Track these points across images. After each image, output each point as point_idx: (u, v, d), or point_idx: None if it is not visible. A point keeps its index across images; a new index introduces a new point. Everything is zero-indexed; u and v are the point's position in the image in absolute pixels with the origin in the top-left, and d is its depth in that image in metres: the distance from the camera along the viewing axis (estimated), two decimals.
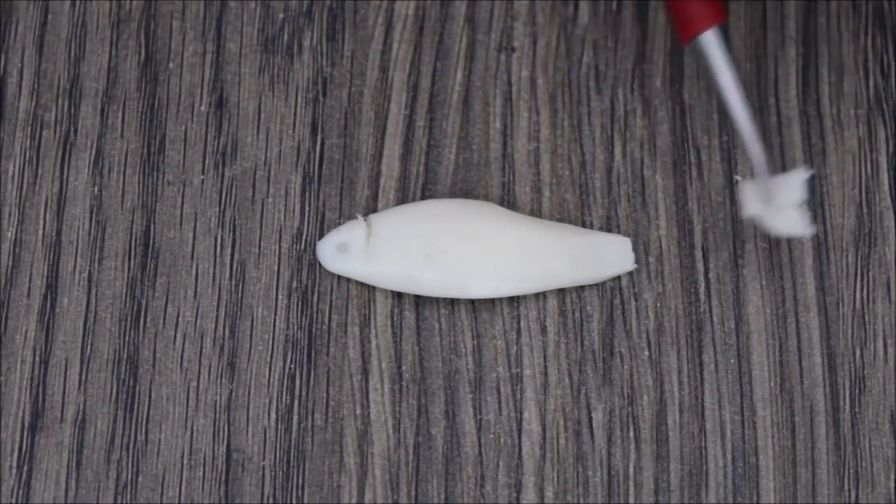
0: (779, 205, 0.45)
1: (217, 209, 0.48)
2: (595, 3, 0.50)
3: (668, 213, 0.48)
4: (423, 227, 0.46)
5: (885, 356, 0.47)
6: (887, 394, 0.46)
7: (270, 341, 0.46)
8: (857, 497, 0.45)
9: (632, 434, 0.46)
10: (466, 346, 0.47)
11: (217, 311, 0.47)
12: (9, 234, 0.47)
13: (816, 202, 0.48)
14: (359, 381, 0.46)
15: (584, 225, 0.48)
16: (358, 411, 0.46)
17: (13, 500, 0.45)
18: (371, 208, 0.48)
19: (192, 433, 0.46)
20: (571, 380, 0.46)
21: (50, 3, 0.49)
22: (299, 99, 0.49)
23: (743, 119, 0.45)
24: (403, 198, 0.48)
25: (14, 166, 0.48)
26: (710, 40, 0.45)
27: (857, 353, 0.47)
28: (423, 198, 0.48)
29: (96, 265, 0.47)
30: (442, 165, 0.48)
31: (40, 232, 0.47)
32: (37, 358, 0.46)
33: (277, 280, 0.47)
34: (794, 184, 0.46)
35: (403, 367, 0.46)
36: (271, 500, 0.45)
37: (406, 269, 0.46)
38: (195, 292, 0.47)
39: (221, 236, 0.47)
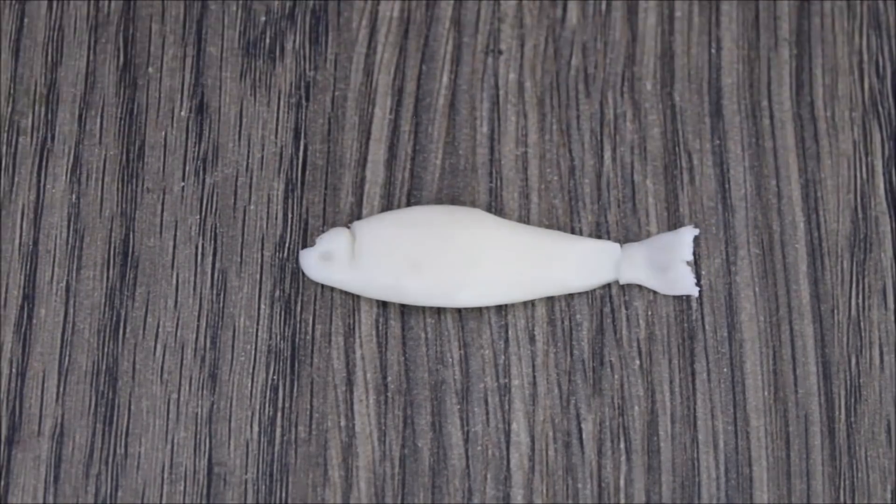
0: (667, 263, 0.46)
1: (198, 217, 0.47)
2: (584, 4, 0.50)
3: (660, 219, 0.48)
4: (408, 235, 0.46)
5: (882, 364, 0.46)
6: (884, 403, 0.46)
7: (253, 352, 0.46)
8: None
9: (622, 445, 0.46)
10: (453, 355, 0.46)
11: (198, 321, 0.47)
12: None
13: (811, 207, 0.48)
14: (343, 392, 0.46)
15: (573, 231, 0.48)
16: (342, 423, 0.46)
17: None
18: (355, 215, 0.48)
19: (172, 446, 0.45)
20: (561, 390, 0.46)
21: (26, 5, 0.49)
22: (282, 104, 0.49)
23: None
24: (388, 204, 0.48)
25: None
26: None
27: (853, 361, 0.46)
28: (409, 204, 0.48)
29: (74, 275, 0.47)
30: (428, 171, 0.48)
31: (17, 241, 0.47)
32: (13, 370, 0.46)
33: (260, 289, 0.47)
34: (683, 241, 0.47)
35: (389, 378, 0.46)
36: None
37: (391, 278, 0.46)
38: (175, 302, 0.47)
39: (202, 245, 0.47)
